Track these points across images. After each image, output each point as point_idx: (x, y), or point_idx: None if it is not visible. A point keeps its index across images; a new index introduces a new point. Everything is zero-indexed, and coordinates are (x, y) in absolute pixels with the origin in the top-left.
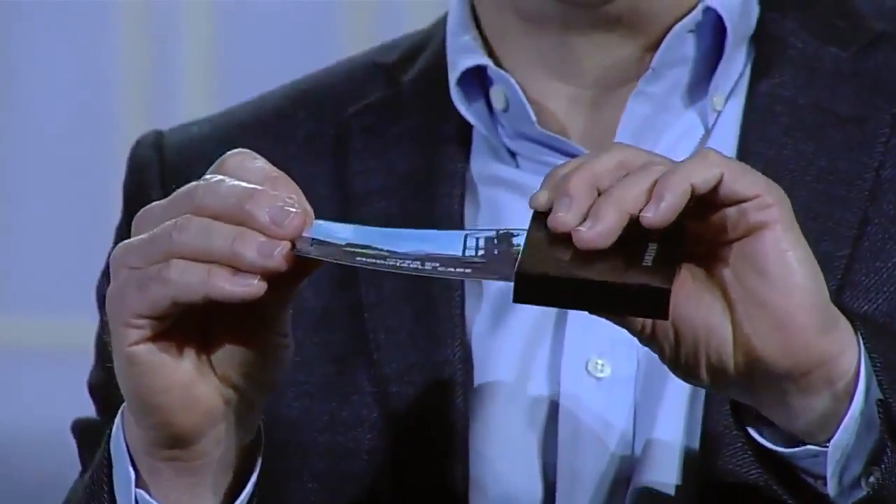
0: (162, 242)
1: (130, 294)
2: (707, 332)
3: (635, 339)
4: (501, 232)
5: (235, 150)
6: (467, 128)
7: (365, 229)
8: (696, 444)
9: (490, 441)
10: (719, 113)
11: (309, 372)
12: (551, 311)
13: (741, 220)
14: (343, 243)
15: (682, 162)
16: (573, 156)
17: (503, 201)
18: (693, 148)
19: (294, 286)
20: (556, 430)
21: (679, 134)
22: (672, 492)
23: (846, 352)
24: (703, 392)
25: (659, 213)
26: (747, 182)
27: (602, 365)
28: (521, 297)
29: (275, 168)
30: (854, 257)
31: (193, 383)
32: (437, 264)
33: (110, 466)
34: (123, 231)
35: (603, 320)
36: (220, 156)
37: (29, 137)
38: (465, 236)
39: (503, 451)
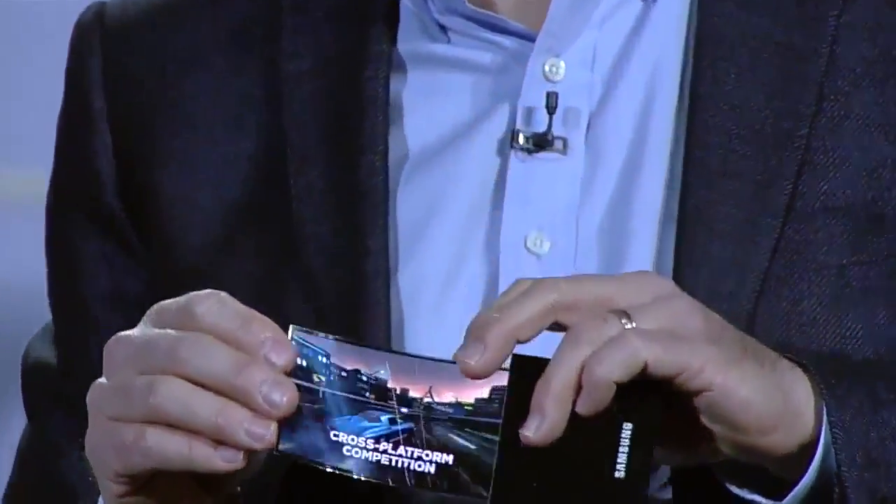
0: (139, 403)
1: (110, 455)
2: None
3: (573, 211)
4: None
5: (204, 293)
6: (395, 5)
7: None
8: None
9: (426, 327)
10: None
11: (245, 273)
12: (488, 188)
13: (681, 388)
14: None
15: (607, 346)
16: (506, 32)
17: (436, 78)
18: (634, 17)
19: None
20: None
21: (616, 1)
22: None
23: (804, 413)
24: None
25: (586, 411)
26: (671, 361)
27: (541, 241)
28: None
29: (248, 309)
30: (812, 136)
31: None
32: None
33: None
34: (65, 120)
35: (541, 191)
36: (161, 29)
37: None
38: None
39: (441, 338)
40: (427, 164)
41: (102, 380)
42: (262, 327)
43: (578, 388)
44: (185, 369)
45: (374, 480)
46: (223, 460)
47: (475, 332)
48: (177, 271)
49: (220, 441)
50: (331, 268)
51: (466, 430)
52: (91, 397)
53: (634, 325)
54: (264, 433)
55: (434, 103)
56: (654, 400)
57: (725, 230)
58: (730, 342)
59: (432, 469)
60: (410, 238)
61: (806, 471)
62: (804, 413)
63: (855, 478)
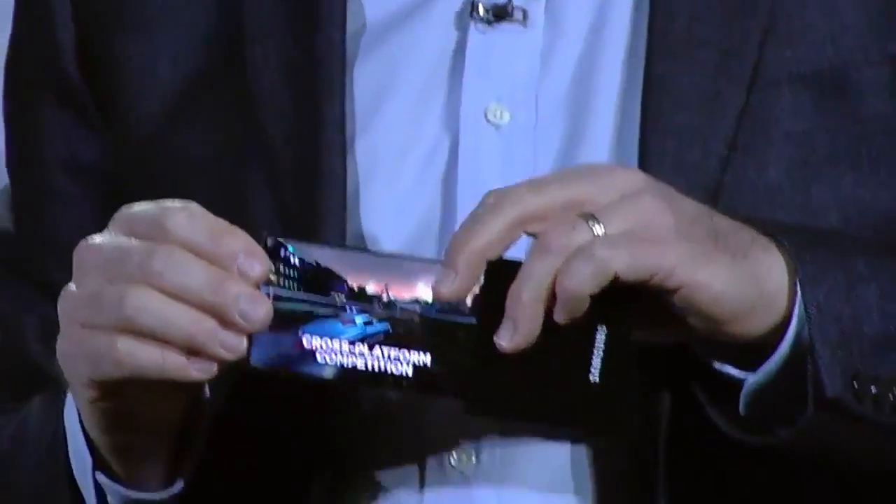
0: (111, 312)
1: (81, 363)
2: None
3: (533, 83)
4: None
5: (174, 206)
6: None
7: (327, 260)
8: None
9: (383, 197)
10: None
11: (202, 142)
12: (447, 60)
13: (654, 289)
14: (302, 302)
15: (575, 259)
16: None
17: None
18: None
19: None
20: (455, 184)
21: None
22: None
23: (778, 296)
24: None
25: (559, 320)
26: (641, 267)
27: (501, 112)
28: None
29: (219, 221)
30: (776, 3)
31: (162, 404)
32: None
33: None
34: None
35: (501, 63)
36: None
37: None
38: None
39: (397, 207)
40: (385, 34)
41: (72, 286)
42: (234, 239)
43: (552, 296)
44: (159, 282)
45: (350, 384)
46: (196, 370)
47: (446, 257)
48: (134, 140)
49: (192, 352)
50: (288, 137)
51: (441, 329)
52: (62, 304)
53: (602, 228)
54: (238, 344)
55: None
56: (627, 302)
57: (691, 99)
58: (701, 237)
59: (409, 370)
60: (368, 108)
61: (780, 344)
62: (778, 296)
63: (828, 355)
